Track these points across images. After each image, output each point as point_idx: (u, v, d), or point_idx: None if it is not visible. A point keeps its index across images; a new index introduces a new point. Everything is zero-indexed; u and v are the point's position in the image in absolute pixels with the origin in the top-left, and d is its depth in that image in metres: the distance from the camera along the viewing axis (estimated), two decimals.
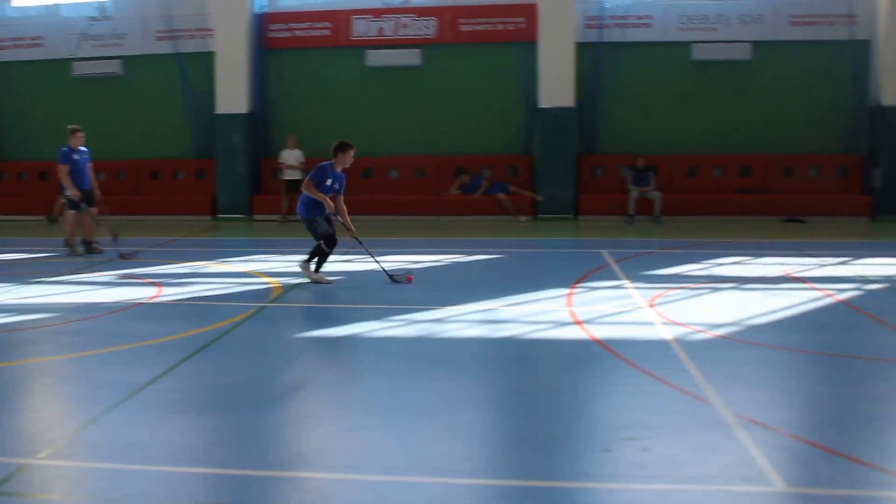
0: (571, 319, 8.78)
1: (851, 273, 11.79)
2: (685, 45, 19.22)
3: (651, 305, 9.49)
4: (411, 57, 19.68)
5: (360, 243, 11.10)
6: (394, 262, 12.94)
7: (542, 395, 6.48)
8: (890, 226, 17.56)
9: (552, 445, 5.45)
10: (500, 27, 19.67)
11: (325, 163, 10.83)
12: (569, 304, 9.54)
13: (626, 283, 10.81)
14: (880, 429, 5.80)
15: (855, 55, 19.01)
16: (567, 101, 18.69)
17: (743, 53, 19.04)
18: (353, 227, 10.95)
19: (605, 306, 9.49)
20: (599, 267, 12.04)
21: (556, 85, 18.75)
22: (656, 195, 18.13)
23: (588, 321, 8.69)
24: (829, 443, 5.50)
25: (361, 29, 19.89)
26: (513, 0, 19.50)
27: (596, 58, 19.31)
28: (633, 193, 18.13)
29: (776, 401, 6.34)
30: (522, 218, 18.41)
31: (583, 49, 19.08)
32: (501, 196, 18.60)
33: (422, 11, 19.82)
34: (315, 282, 10.89)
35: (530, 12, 19.21)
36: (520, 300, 9.79)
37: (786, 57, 19.22)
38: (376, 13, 19.88)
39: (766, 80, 19.29)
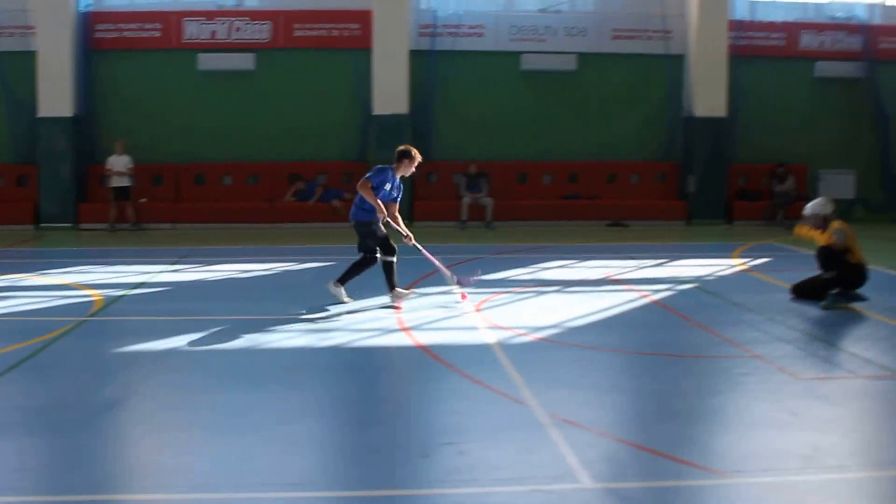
0: (398, 326, 8.88)
1: (666, 275, 12.43)
2: (515, 55, 19.75)
3: (477, 310, 9.72)
4: (245, 61, 19.33)
5: (421, 249, 10.41)
6: (224, 271, 12.74)
7: (365, 404, 6.55)
8: (702, 229, 18.63)
9: (372, 454, 5.51)
10: (336, 33, 19.62)
11: (388, 167, 9.99)
12: (397, 311, 9.64)
13: (454, 288, 11.02)
14: (683, 422, 6.17)
15: (670, 68, 20.05)
16: (401, 108, 18.84)
17: (569, 64, 19.75)
18: (410, 234, 10.26)
19: (432, 312, 9.65)
20: (430, 273, 12.17)
21: (390, 92, 18.87)
22: (488, 201, 18.53)
23: (415, 327, 8.83)
24: (635, 438, 5.82)
25: (193, 31, 19.39)
26: (348, 6, 19.50)
27: (429, 65, 19.57)
28: (466, 199, 18.47)
29: (590, 400, 6.62)
30: None
31: (416, 57, 19.29)
32: (336, 202, 18.55)
33: (256, 15, 19.52)
34: (398, 298, 9.92)
35: (365, 19, 19.25)
36: (348, 308, 9.81)
37: (608, 69, 20.06)
38: (209, 15, 19.42)
39: (590, 90, 20.07)
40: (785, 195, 19.42)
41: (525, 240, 16.17)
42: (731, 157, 19.98)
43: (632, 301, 10.46)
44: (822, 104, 20.64)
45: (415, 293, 10.33)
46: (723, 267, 13.33)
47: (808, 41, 20.60)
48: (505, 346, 8.08)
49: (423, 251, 10.46)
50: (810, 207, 10.40)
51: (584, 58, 19.83)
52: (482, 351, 7.94)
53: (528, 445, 5.56)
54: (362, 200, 9.87)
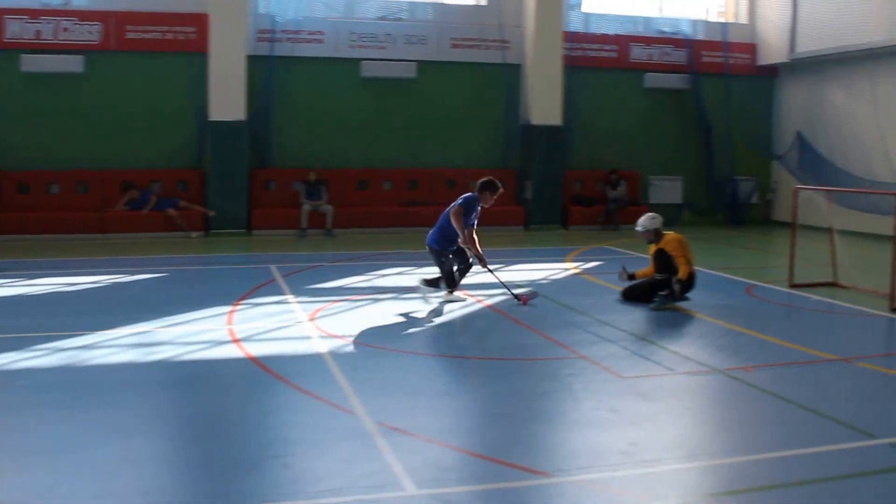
0: (230, 338, 8.67)
1: (502, 279, 12.63)
2: (355, 62, 19.71)
3: (311, 319, 9.61)
4: (73, 63, 18.46)
5: (491, 272, 11.12)
6: (47, 284, 12.14)
7: (191, 419, 6.36)
8: (539, 234, 19.10)
9: (198, 469, 5.37)
10: (170, 36, 19.02)
11: (475, 196, 10.84)
12: (229, 322, 9.41)
13: (289, 297, 10.86)
14: (509, 425, 6.28)
15: (508, 77, 20.48)
16: (238, 114, 18.47)
17: (409, 72, 19.87)
18: (485, 258, 10.88)
19: (265, 322, 9.46)
20: (266, 282, 11.99)
21: (227, 97, 18.44)
22: (328, 209, 18.39)
23: (246, 339, 8.63)
24: (462, 443, 5.89)
25: (16, 31, 18.40)
26: (184, 9, 18.96)
27: (268, 71, 19.27)
28: (306, 207, 18.26)
29: (419, 406, 6.64)
30: (194, 234, 17.91)
31: (255, 62, 18.95)
32: (171, 211, 17.99)
33: (85, 16, 18.68)
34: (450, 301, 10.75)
35: (201, 22, 18.77)
36: (179, 320, 9.50)
37: (448, 77, 20.31)
38: (33, 14, 18.43)
39: (430, 97, 20.25)
40: (618, 201, 20.18)
41: (365, 247, 16.13)
42: (567, 163, 20.58)
43: (467, 306, 10.58)
44: (651, 114, 21.61)
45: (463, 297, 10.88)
46: (556, 271, 13.71)
47: (637, 53, 21.50)
48: (336, 356, 8.01)
49: (495, 275, 11.16)
50: (641, 224, 10.90)
51: (423, 66, 20.00)
52: (313, 361, 7.85)
53: (354, 455, 5.53)
54: (445, 228, 10.75)
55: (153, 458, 5.56)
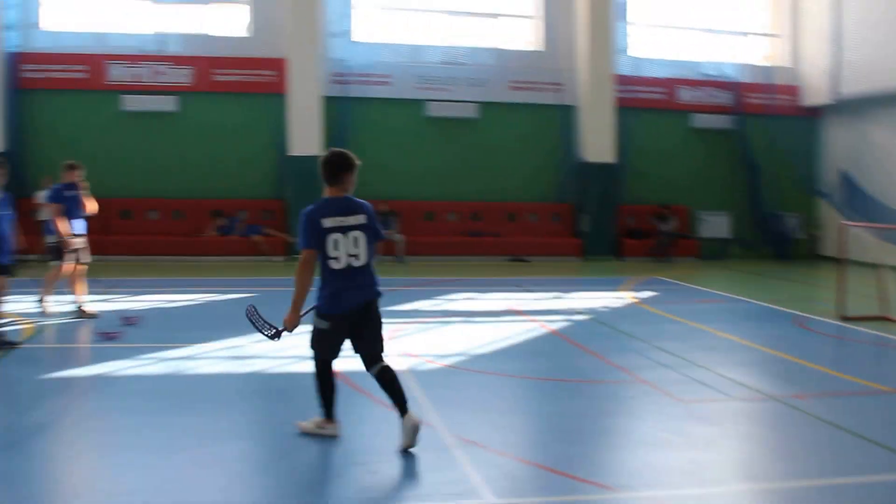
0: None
1: (562, 306, 12.65)
2: (420, 103, 20.01)
3: (389, 339, 9.68)
4: (167, 103, 19.10)
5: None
6: (150, 301, 12.45)
7: (282, 427, 6.45)
8: (596, 265, 19.06)
9: (288, 474, 5.48)
10: (253, 79, 19.55)
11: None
12: None
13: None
14: (576, 442, 6.27)
15: (563, 118, 20.60)
16: (314, 149, 18.79)
17: (470, 112, 20.13)
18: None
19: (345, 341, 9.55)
20: None
21: (304, 134, 18.86)
22: (398, 238, 18.59)
23: None
24: (533, 457, 5.91)
25: (118, 74, 19.07)
26: (265, 54, 19.46)
27: (341, 111, 19.63)
28: None
29: (492, 422, 6.68)
30: (276, 258, 18.28)
31: (329, 102, 19.34)
32: (256, 238, 18.39)
33: (178, 60, 19.31)
34: None
35: (280, 67, 19.25)
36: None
37: (506, 116, 20.51)
38: (133, 59, 19.13)
39: (490, 135, 20.45)
40: (669, 234, 20.07)
41: (432, 273, 16.27)
42: (620, 198, 20.56)
43: (531, 331, 10.60)
44: (699, 152, 21.51)
45: None
46: (613, 299, 13.65)
47: (685, 95, 21.47)
48: (414, 373, 8.10)
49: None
50: None
51: (484, 106, 20.25)
52: None
53: (435, 465, 5.60)
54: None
55: (246, 462, 5.70)
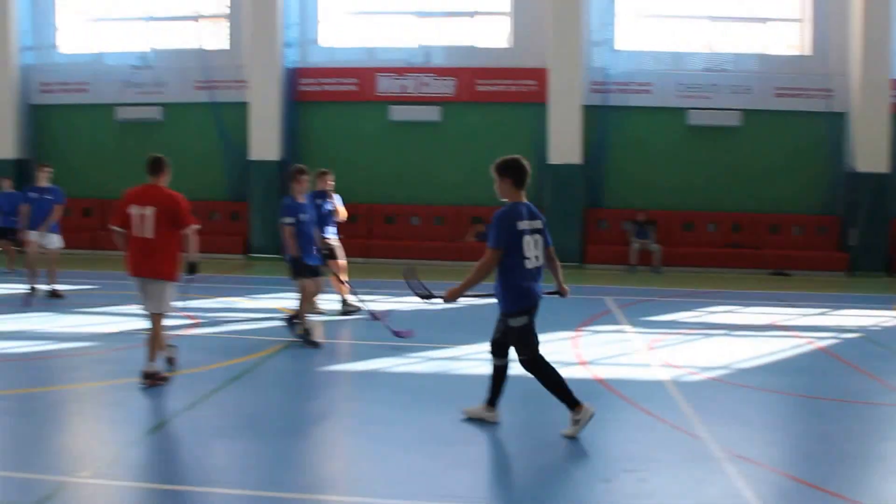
0: (576, 360, 9.01)
1: (830, 323, 12.03)
2: (682, 111, 19.64)
3: (650, 349, 9.73)
4: (431, 113, 20.09)
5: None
6: (412, 302, 13.12)
7: (544, 428, 6.65)
8: (865, 281, 17.78)
9: (550, 475, 5.72)
10: (514, 88, 20.09)
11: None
12: (574, 346, 9.78)
13: (626, 327, 11.05)
14: (851, 465, 6.06)
15: (831, 125, 19.40)
16: (574, 158, 19.07)
17: (733, 120, 19.48)
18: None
19: (607, 349, 9.73)
20: (602, 312, 12.28)
21: (564, 143, 19.10)
22: (656, 247, 18.39)
23: (592, 362, 8.95)
24: (806, 476, 5.75)
25: (385, 86, 20.32)
26: (525, 64, 19.94)
27: (600, 120, 19.70)
28: (635, 245, 18.40)
29: (760, 438, 6.59)
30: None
31: (589, 111, 19.46)
32: None
33: (442, 72, 20.24)
34: None
35: (541, 76, 19.62)
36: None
37: (771, 125, 19.62)
38: (400, 72, 20.30)
39: (754, 144, 19.67)
40: None
41: (691, 285, 15.98)
42: (894, 211, 19.07)
43: (797, 347, 10.21)
44: None
45: None
46: (887, 318, 12.79)
47: None
48: (678, 384, 8.09)
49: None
50: None
51: (747, 114, 19.52)
52: (656, 387, 7.99)
53: (706, 477, 5.62)
54: None
55: (500, 461, 6.08)
